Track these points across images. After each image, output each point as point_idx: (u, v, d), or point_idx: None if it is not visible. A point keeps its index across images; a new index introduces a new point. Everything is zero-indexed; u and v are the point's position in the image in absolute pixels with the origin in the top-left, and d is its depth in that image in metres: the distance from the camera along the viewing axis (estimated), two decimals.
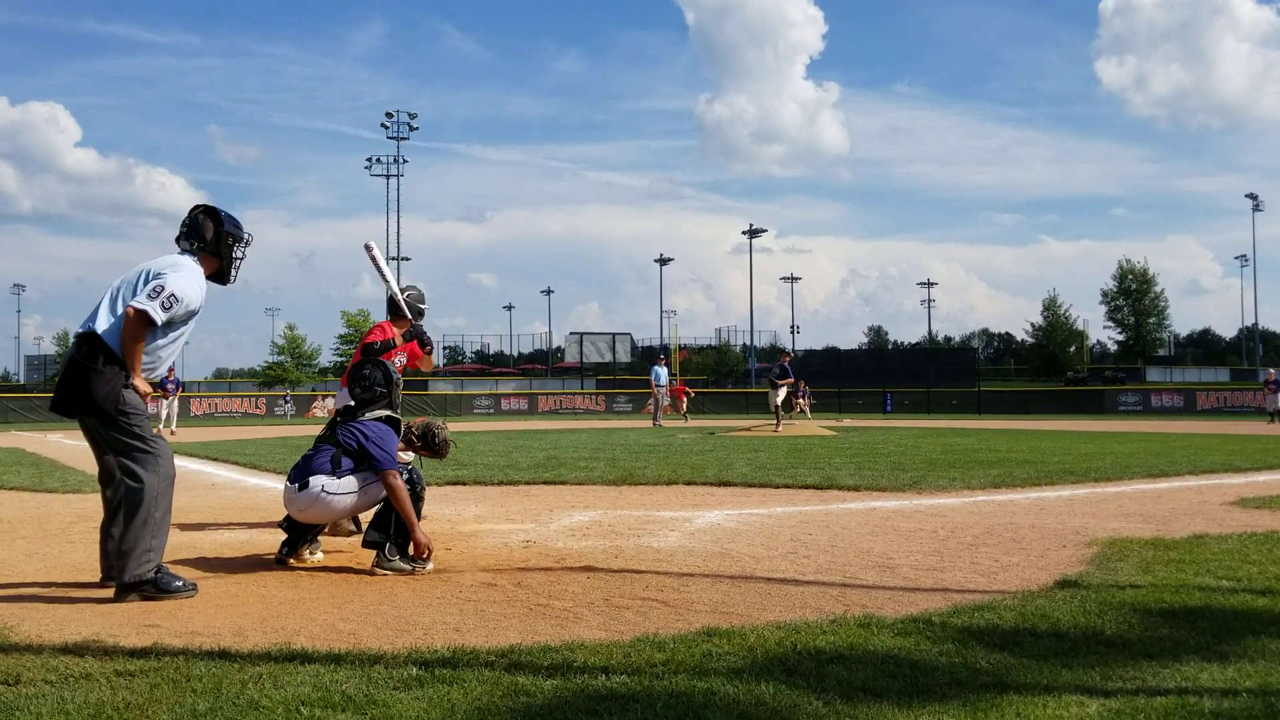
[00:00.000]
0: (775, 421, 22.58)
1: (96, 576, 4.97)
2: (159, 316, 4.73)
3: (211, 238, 5.11)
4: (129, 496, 4.70)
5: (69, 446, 16.04)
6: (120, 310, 4.77)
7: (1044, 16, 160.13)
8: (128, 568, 4.63)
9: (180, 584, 4.75)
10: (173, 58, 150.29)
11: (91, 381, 4.71)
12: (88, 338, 4.76)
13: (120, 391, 4.72)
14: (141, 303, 4.72)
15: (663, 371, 30.31)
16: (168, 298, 4.77)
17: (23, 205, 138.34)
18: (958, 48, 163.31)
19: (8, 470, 12.53)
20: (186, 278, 4.88)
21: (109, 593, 4.71)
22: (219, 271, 5.17)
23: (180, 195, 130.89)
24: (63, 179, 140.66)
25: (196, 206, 5.18)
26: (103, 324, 4.76)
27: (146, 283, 4.81)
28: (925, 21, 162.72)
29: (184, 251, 5.08)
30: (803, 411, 38.22)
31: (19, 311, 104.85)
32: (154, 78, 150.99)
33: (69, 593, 4.85)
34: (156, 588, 4.67)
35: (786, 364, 23.75)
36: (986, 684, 3.19)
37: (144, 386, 4.86)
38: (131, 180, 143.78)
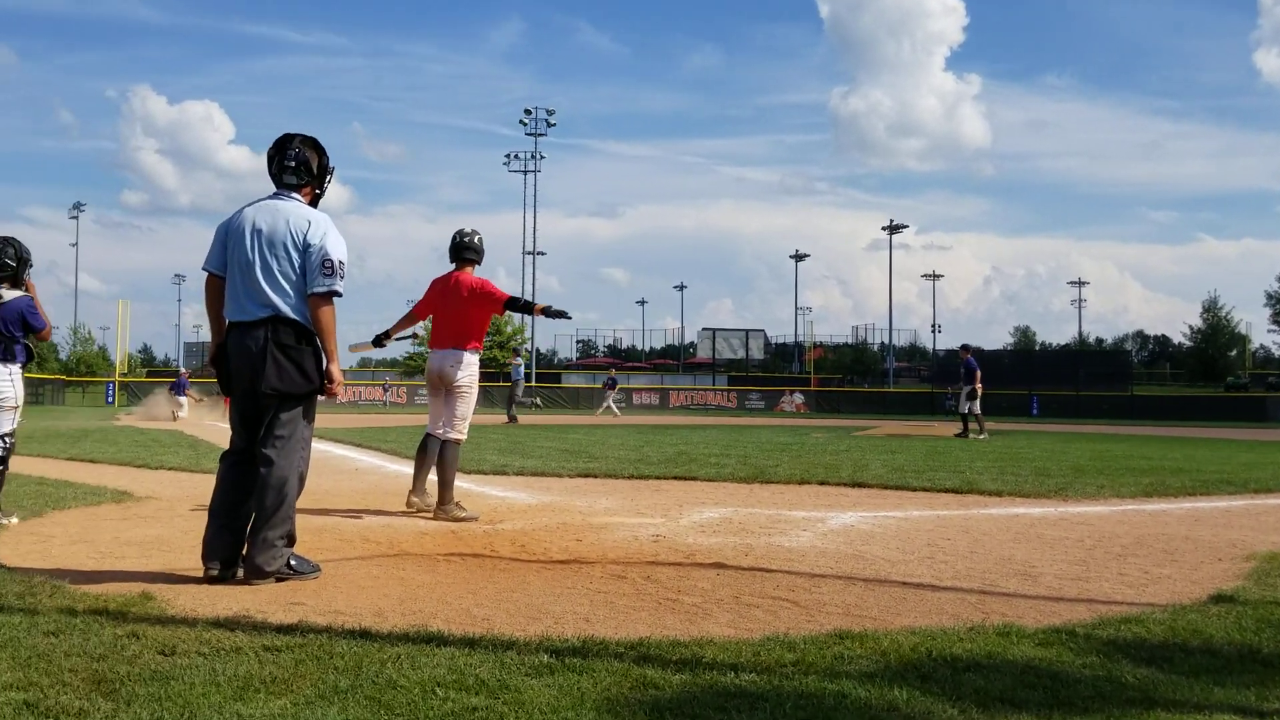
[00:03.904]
0: (964, 428, 21.00)
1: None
2: (342, 289, 4.84)
3: (318, 171, 5.07)
4: (275, 487, 4.77)
5: (225, 430, 16.83)
6: (288, 288, 4.78)
7: (1200, 6, 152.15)
8: (274, 558, 4.76)
9: (309, 568, 4.88)
10: (319, 57, 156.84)
11: (303, 361, 4.79)
12: (276, 321, 4.76)
13: (322, 372, 4.88)
14: (323, 286, 4.78)
15: (519, 365, 30.56)
16: (339, 266, 4.82)
17: (182, 200, 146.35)
18: (1108, 38, 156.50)
19: (167, 451, 13.23)
20: (337, 237, 4.88)
21: None
22: (311, 204, 5.08)
23: (327, 191, 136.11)
24: (218, 175, 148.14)
25: (291, 136, 5.05)
26: (283, 305, 4.77)
27: (302, 254, 4.78)
28: (1074, 12, 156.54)
29: (290, 188, 4.98)
30: (608, 408, 37.06)
31: (179, 300, 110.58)
32: (302, 77, 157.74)
33: None
34: (288, 567, 4.82)
35: (970, 359, 21.29)
36: (1132, 699, 3.05)
37: (339, 374, 4.97)
38: None
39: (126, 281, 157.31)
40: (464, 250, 7.51)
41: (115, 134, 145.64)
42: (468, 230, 7.58)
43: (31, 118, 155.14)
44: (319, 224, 4.87)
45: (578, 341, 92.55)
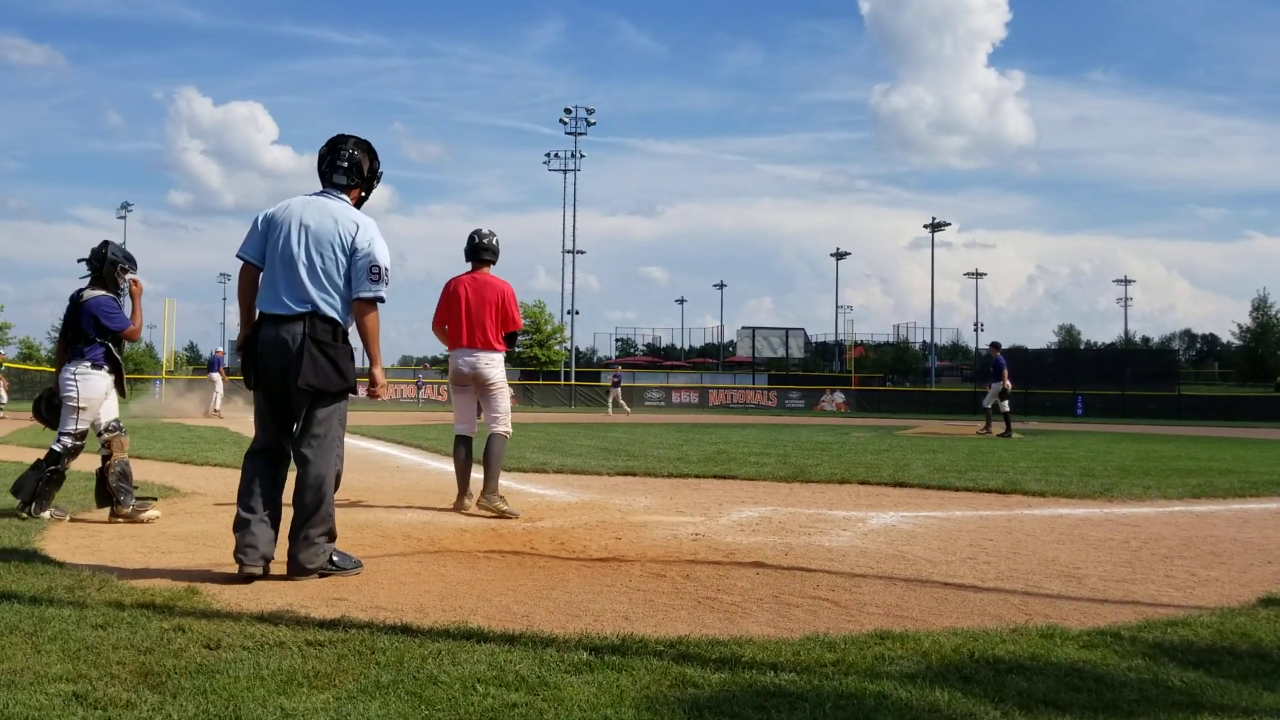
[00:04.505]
0: (986, 425, 21.12)
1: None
2: (386, 295, 4.87)
3: (368, 174, 5.08)
4: (314, 486, 4.79)
5: None
6: (330, 288, 4.78)
7: None
8: (316, 555, 4.80)
9: (351, 564, 4.93)
10: (362, 58, 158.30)
11: (339, 359, 4.78)
12: (314, 317, 4.75)
13: (354, 372, 4.89)
14: (370, 291, 4.81)
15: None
16: (385, 272, 4.84)
17: (226, 200, 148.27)
18: (1154, 33, 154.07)
19: (212, 447, 13.40)
20: (383, 243, 4.89)
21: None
22: (355, 206, 5.07)
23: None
24: (262, 175, 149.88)
25: (345, 137, 5.06)
26: (321, 302, 4.76)
27: (349, 257, 4.79)
28: (1118, 6, 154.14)
29: (339, 188, 4.98)
30: (618, 404, 36.52)
31: (224, 299, 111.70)
32: (344, 78, 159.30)
33: None
34: (331, 563, 4.85)
35: (999, 357, 21.43)
36: (1179, 703, 3.01)
37: (383, 377, 5.04)
38: None
39: (173, 280, 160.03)
40: (482, 251, 7.59)
41: (162, 135, 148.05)
42: (485, 231, 7.65)
43: (81, 120, 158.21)
44: (367, 228, 4.87)
45: (617, 340, 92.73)
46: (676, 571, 5.14)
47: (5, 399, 26.50)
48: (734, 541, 6.12)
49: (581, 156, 61.92)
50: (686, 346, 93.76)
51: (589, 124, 61.12)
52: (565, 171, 62.03)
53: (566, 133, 61.25)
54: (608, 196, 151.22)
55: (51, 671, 3.12)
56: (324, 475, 4.82)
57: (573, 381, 55.20)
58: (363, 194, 5.16)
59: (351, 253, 4.82)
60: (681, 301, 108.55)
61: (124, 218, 79.93)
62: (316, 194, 5.01)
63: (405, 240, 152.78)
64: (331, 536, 4.88)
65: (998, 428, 21.09)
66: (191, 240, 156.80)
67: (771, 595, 4.59)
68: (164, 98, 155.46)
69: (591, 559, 5.49)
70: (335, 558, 4.88)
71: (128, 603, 4.05)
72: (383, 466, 11.39)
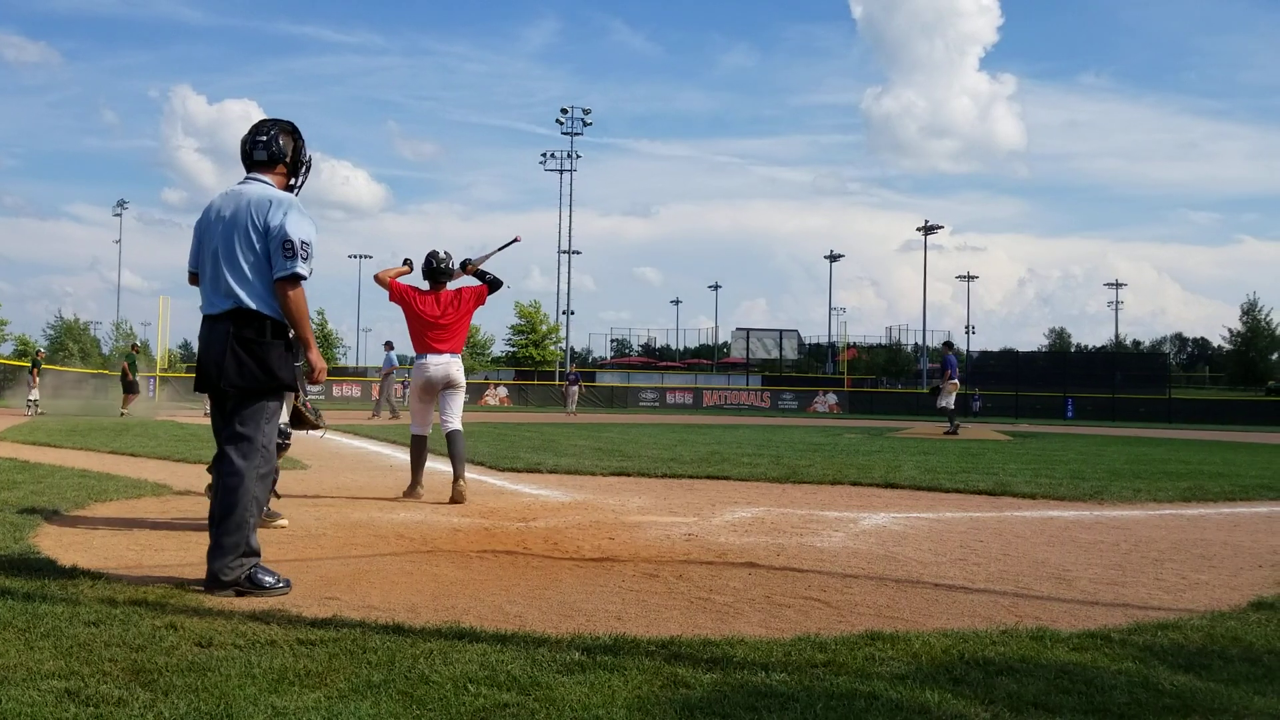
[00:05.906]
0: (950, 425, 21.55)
1: (281, 549, 5.24)
2: (308, 271, 4.51)
3: (291, 159, 4.77)
4: (229, 489, 4.45)
5: None
6: (252, 277, 4.48)
7: (1245, 3, 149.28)
8: (229, 568, 4.37)
9: (272, 581, 4.42)
10: (357, 56, 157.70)
11: (267, 356, 4.49)
12: (239, 313, 4.48)
13: (295, 365, 4.67)
14: (285, 269, 4.45)
15: (394, 356, 28.81)
16: (302, 246, 4.48)
17: None
18: (1147, 37, 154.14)
19: (206, 445, 13.36)
20: (300, 216, 4.54)
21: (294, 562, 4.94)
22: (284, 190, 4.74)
23: (363, 189, 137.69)
24: None
25: (266, 120, 4.81)
26: (246, 295, 4.47)
27: (264, 239, 4.48)
28: (1111, 10, 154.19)
29: (259, 166, 4.69)
30: (571, 402, 36.83)
31: None
32: (339, 76, 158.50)
33: None
34: (251, 583, 4.38)
35: (950, 356, 22.22)
36: (1169, 706, 3.02)
37: (320, 361, 4.75)
38: (318, 173, 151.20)
39: (167, 278, 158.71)
40: (441, 275, 8.23)
41: (157, 133, 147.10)
42: (442, 255, 8.31)
43: (77, 117, 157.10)
44: (280, 203, 4.54)
45: (612, 341, 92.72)
46: (669, 572, 5.14)
47: (38, 396, 26.26)
48: (727, 542, 6.13)
49: (578, 157, 61.94)
50: (681, 347, 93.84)
51: (585, 124, 61.13)
52: (561, 171, 62.03)
53: (563, 133, 61.31)
54: (603, 197, 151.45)
55: (44, 668, 3.11)
56: (239, 478, 4.43)
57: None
58: (291, 180, 4.81)
59: (265, 231, 4.49)
60: (676, 302, 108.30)
61: (119, 215, 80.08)
62: (238, 184, 4.76)
63: (399, 238, 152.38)
64: (248, 551, 4.42)
65: (983, 430, 21.30)
66: (186, 238, 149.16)
67: (763, 596, 4.61)
68: (159, 95, 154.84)
69: (585, 559, 5.50)
70: (257, 574, 4.41)
71: (120, 600, 4.04)
72: (376, 466, 11.39)
